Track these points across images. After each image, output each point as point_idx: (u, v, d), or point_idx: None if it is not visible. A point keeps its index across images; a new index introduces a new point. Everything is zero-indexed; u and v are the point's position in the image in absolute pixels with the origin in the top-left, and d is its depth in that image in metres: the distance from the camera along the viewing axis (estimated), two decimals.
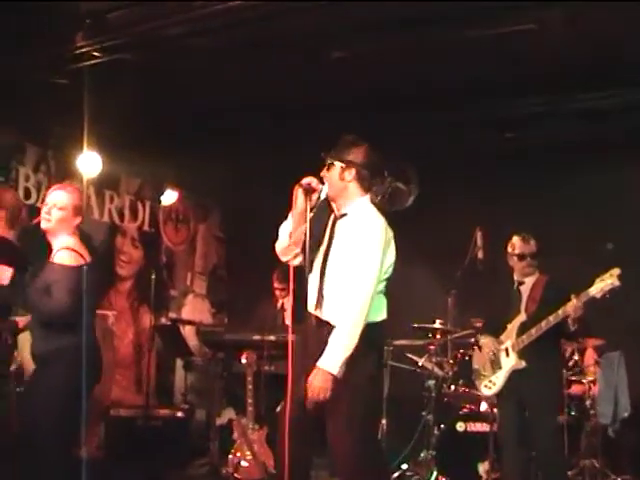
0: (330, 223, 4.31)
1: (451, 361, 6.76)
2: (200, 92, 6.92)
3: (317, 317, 4.16)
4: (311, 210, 4.18)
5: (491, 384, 5.61)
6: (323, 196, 4.28)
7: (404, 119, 7.43)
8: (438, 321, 6.86)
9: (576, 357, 6.53)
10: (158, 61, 6.43)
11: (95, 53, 5.87)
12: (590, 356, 6.78)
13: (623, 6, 5.36)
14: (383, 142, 7.57)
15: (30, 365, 4.76)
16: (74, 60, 6.14)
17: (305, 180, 4.17)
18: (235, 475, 6.70)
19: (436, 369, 6.81)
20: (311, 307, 4.18)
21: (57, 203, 4.49)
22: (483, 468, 6.15)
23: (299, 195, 4.17)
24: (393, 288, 7.78)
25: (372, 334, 4.12)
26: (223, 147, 7.89)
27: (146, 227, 8.60)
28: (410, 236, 7.87)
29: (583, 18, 5.66)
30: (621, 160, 7.44)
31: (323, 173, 4.27)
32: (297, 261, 4.28)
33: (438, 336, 6.86)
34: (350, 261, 4.13)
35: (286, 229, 4.31)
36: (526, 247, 5.68)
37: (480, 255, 6.51)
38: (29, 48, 6.03)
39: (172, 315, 8.65)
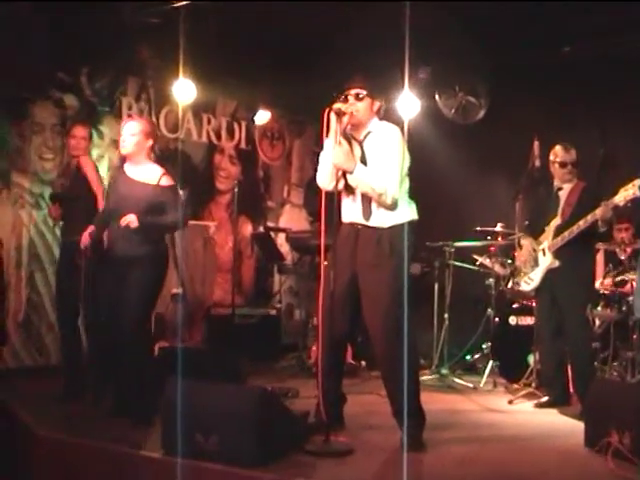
0: (357, 148, 4.92)
1: (509, 261, 7.33)
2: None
3: (361, 225, 4.88)
4: (343, 132, 4.87)
5: (530, 280, 6.19)
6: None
7: (474, 37, 7.79)
8: (499, 224, 7.41)
9: (622, 257, 6.92)
10: None
11: None
12: None
13: None
14: (453, 58, 8.08)
15: None
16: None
17: (335, 105, 4.78)
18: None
19: (497, 267, 7.41)
20: (354, 218, 4.91)
21: (130, 131, 5.35)
22: (532, 359, 6.74)
23: (332, 119, 4.80)
24: (462, 195, 8.45)
25: (409, 231, 4.82)
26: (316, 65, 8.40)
27: (243, 145, 9.38)
28: (480, 147, 8.47)
29: None
30: None
31: (352, 102, 4.87)
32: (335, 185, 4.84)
33: (499, 238, 7.43)
34: (383, 163, 4.80)
35: (326, 156, 4.87)
36: (567, 156, 6.13)
37: (537, 163, 6.99)
38: None
39: (270, 224, 9.49)
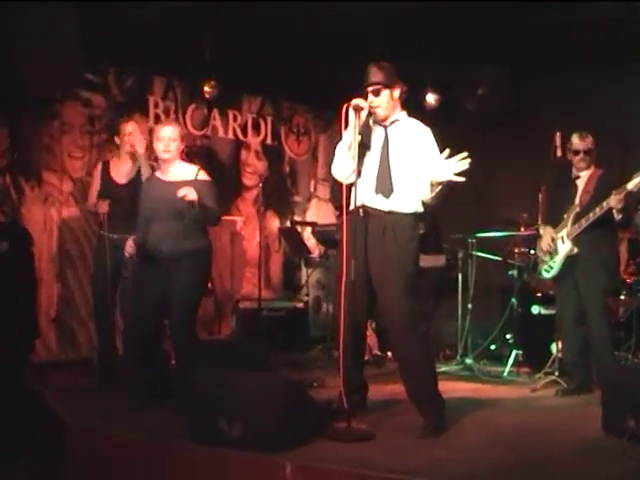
0: (381, 131, 5.04)
1: (532, 251, 7.38)
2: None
3: (372, 209, 4.95)
4: (361, 126, 4.97)
5: (549, 268, 6.26)
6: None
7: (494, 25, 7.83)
8: (523, 215, 7.46)
9: None
10: None
11: None
12: None
13: None
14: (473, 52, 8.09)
15: None
16: None
17: (354, 101, 4.88)
18: None
19: (520, 257, 7.47)
20: (366, 201, 4.96)
21: (171, 136, 5.51)
22: (555, 347, 6.79)
23: (350, 114, 4.91)
24: (486, 187, 8.51)
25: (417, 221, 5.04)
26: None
27: (269, 141, 9.54)
28: (503, 138, 8.54)
29: None
30: None
31: (371, 99, 4.95)
32: (353, 178, 4.89)
33: (523, 229, 7.49)
34: (419, 156, 4.91)
35: (343, 148, 5.01)
36: (581, 144, 6.20)
37: (559, 153, 7.06)
38: None
39: (297, 219, 9.63)
